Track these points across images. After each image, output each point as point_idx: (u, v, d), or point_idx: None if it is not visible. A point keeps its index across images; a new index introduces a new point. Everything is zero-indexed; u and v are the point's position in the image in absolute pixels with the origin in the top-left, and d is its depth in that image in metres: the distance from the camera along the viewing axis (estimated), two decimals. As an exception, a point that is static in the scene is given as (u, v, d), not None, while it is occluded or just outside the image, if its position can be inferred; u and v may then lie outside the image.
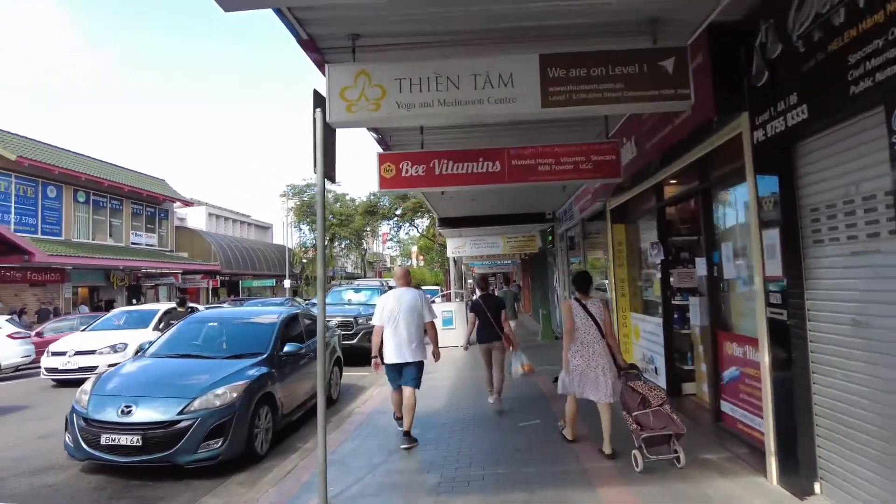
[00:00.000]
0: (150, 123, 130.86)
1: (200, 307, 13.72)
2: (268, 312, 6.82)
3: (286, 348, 5.98)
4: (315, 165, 3.83)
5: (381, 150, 5.83)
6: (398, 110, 3.74)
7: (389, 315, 5.10)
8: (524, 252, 14.17)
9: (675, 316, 6.09)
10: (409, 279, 5.51)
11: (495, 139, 6.26)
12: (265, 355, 5.69)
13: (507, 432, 5.53)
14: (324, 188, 3.94)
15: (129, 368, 5.58)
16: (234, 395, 4.88)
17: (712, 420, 5.00)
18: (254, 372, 5.28)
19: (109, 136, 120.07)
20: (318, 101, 3.85)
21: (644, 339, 6.94)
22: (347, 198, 44.52)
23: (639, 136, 5.85)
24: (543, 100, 3.68)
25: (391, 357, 5.08)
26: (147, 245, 28.42)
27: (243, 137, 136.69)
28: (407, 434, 5.13)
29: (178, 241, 31.24)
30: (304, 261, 44.73)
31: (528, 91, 3.68)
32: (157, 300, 29.00)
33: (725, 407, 4.79)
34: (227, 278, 35.35)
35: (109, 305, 23.44)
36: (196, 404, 4.71)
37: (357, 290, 13.49)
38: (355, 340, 10.92)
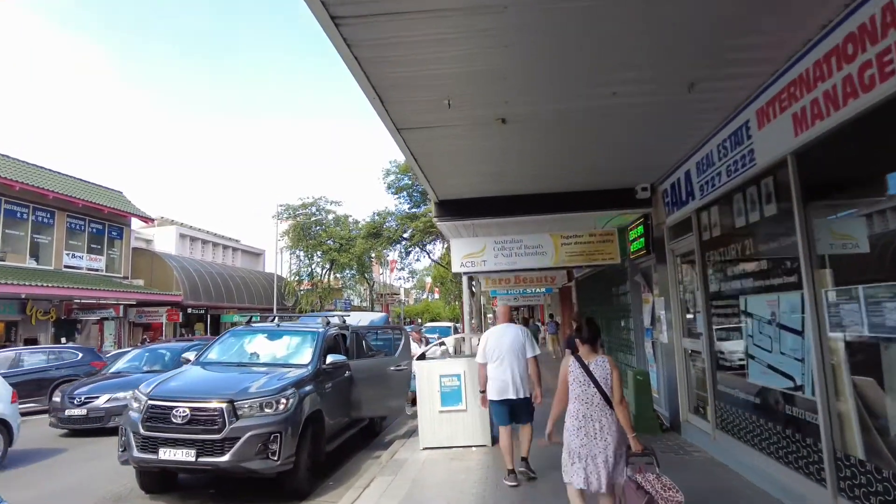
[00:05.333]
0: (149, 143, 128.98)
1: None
2: None
3: None
4: None
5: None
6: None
7: (493, 353, 5.09)
8: (592, 263, 7.65)
9: None
10: (511, 316, 5.46)
11: None
12: None
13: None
14: None
15: None
16: None
17: None
18: None
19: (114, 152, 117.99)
20: None
21: None
22: (350, 220, 39.11)
23: None
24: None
25: (498, 394, 4.99)
26: (90, 269, 22.77)
27: (245, 156, 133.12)
28: (524, 459, 5.04)
29: (136, 265, 25.65)
30: (301, 292, 38.92)
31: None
32: (101, 338, 23.26)
33: None
34: (203, 311, 29.55)
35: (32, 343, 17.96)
36: None
37: (273, 336, 6.54)
38: (226, 457, 4.66)
